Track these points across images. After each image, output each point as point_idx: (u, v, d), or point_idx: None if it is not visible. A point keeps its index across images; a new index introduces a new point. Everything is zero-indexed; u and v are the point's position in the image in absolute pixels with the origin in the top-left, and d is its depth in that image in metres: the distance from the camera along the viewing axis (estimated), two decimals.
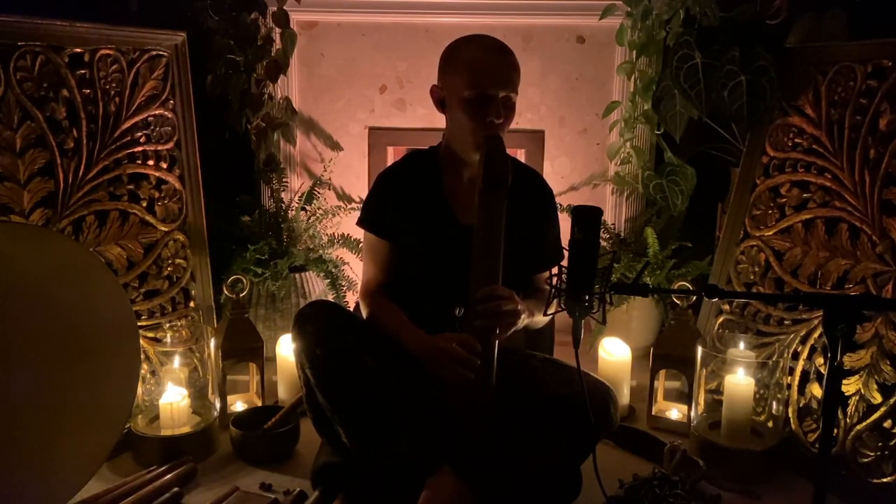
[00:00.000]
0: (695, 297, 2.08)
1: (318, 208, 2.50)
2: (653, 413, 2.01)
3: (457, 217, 1.63)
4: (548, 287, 1.68)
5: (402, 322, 1.60)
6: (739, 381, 1.76)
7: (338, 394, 1.50)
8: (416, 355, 1.54)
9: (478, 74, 1.50)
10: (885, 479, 1.58)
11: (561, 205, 2.43)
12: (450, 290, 1.53)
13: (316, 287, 2.39)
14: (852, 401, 1.67)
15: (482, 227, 1.48)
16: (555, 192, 2.56)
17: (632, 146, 2.44)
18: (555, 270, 1.30)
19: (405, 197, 1.65)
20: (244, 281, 2.03)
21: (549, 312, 1.39)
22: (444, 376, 1.48)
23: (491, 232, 1.48)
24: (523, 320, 1.55)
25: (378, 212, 1.68)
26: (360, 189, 2.64)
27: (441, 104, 1.61)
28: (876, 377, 1.64)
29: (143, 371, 1.78)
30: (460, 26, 2.44)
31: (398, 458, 1.48)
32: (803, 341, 1.80)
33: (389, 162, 2.66)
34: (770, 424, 1.80)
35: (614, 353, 2.07)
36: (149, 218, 1.93)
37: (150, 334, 1.91)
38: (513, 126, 2.56)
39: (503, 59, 1.54)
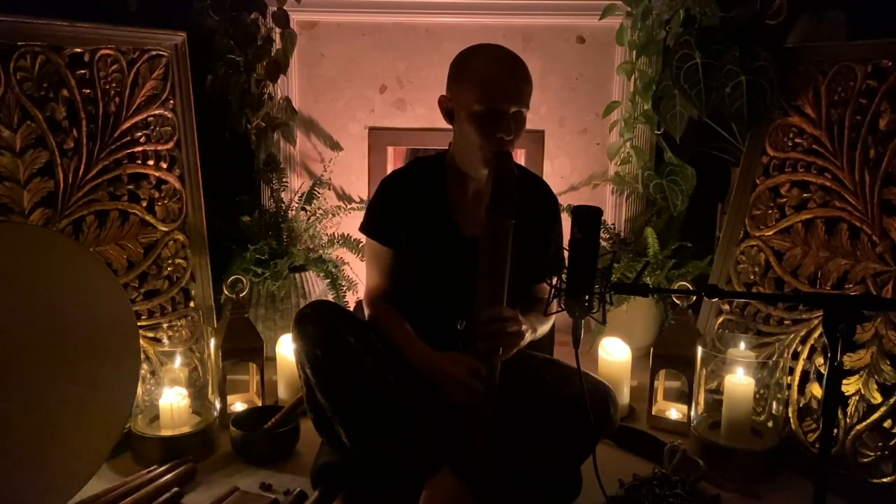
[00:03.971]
0: (695, 297, 2.08)
1: (318, 208, 2.50)
2: (653, 413, 2.01)
3: (460, 229, 1.61)
4: (546, 298, 1.68)
5: (408, 335, 1.58)
6: (739, 381, 1.76)
7: (338, 394, 1.50)
8: (421, 373, 1.52)
9: (489, 89, 1.45)
10: (885, 479, 1.58)
11: (561, 205, 2.44)
12: (452, 301, 1.53)
13: (316, 287, 2.39)
14: (852, 401, 1.67)
15: (488, 247, 1.45)
16: (555, 192, 2.57)
17: (632, 146, 2.44)
18: None
19: (408, 206, 1.62)
20: (244, 281, 2.03)
21: (548, 312, 1.39)
22: (447, 397, 1.48)
23: (497, 252, 1.45)
24: (527, 340, 1.54)
25: (381, 219, 1.66)
26: (360, 189, 2.64)
27: (449, 115, 1.56)
28: (876, 377, 1.64)
29: (143, 371, 1.78)
30: (460, 26, 2.44)
31: (398, 459, 1.47)
32: (803, 341, 1.80)
33: (389, 162, 2.66)
34: (770, 424, 1.80)
35: (614, 353, 2.07)
36: (149, 218, 1.93)
37: (150, 334, 1.91)
38: None
39: (515, 73, 1.48)
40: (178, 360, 1.87)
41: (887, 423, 1.60)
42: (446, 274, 1.59)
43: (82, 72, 1.78)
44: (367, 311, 1.71)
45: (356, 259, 2.41)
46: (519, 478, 1.50)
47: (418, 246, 1.62)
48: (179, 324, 1.97)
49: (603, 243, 2.44)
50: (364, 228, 1.69)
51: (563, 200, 2.50)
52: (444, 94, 1.56)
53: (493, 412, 1.49)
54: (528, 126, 2.52)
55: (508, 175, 1.44)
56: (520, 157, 2.58)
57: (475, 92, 1.46)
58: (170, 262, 1.97)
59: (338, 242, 2.46)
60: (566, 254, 1.29)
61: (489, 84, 1.45)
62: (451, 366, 1.47)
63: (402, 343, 1.57)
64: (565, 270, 1.27)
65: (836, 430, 1.66)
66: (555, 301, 1.32)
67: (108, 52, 1.82)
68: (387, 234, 1.64)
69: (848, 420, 1.67)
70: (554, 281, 1.28)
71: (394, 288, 1.68)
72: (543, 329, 1.66)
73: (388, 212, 1.64)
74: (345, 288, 2.33)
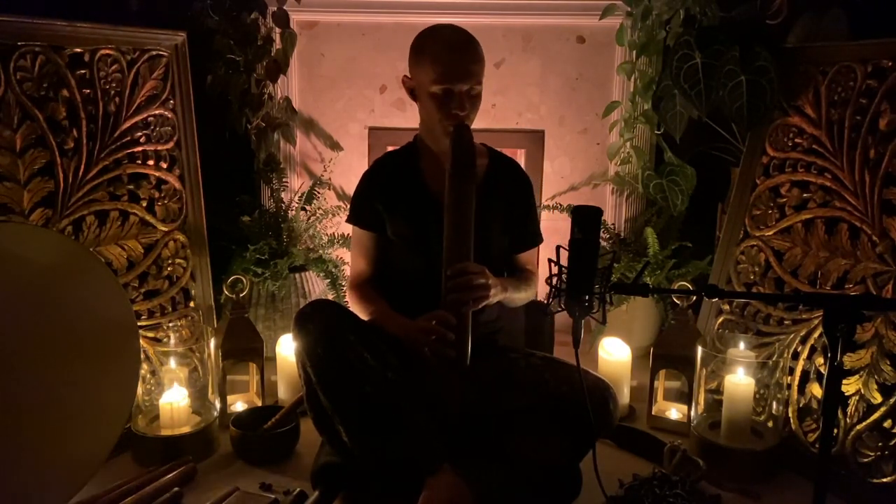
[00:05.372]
0: (695, 297, 2.08)
1: (318, 208, 2.50)
2: (653, 413, 2.01)
3: (439, 199, 1.68)
4: (529, 268, 1.81)
5: (386, 310, 1.67)
6: (739, 381, 1.76)
7: (339, 393, 1.50)
8: (399, 338, 1.59)
9: (442, 72, 1.58)
10: (885, 479, 1.58)
11: (561, 205, 2.45)
12: (439, 271, 1.58)
13: (316, 287, 2.39)
14: (852, 401, 1.67)
15: (452, 208, 1.57)
16: (555, 192, 2.60)
17: (632, 146, 2.44)
18: (555, 270, 1.30)
19: (389, 187, 1.73)
20: (244, 281, 2.03)
21: (549, 312, 1.39)
22: (424, 355, 1.52)
23: (460, 212, 1.56)
24: (496, 294, 1.62)
25: (363, 206, 1.76)
26: None
27: (412, 93, 1.69)
28: (876, 377, 1.63)
29: (143, 371, 1.78)
30: (460, 26, 2.43)
31: (398, 458, 1.48)
32: (803, 341, 1.80)
33: None
34: (770, 424, 1.80)
35: (614, 353, 2.07)
36: (149, 218, 1.93)
37: (150, 334, 1.91)
38: (513, 126, 2.60)
39: (465, 54, 1.61)
40: (177, 361, 1.87)
41: (887, 423, 1.60)
42: (431, 243, 1.65)
43: (82, 72, 1.78)
44: (348, 295, 1.80)
45: None
46: (519, 477, 1.50)
47: (402, 221, 1.71)
48: (179, 324, 1.97)
49: (603, 243, 2.44)
50: (349, 219, 1.80)
51: (563, 200, 2.52)
52: (406, 74, 1.70)
53: (467, 365, 1.54)
54: (528, 126, 2.59)
55: (466, 142, 1.59)
56: (520, 156, 2.58)
57: (430, 75, 1.60)
58: (170, 262, 1.97)
59: (338, 242, 2.46)
60: (558, 248, 1.30)
61: (443, 67, 1.59)
62: (423, 322, 1.54)
63: (379, 315, 1.66)
64: (565, 270, 1.27)
65: (836, 430, 1.66)
66: (555, 301, 1.32)
67: (108, 52, 1.82)
68: (370, 219, 1.75)
69: (848, 420, 1.67)
70: (553, 281, 1.28)
71: (376, 274, 1.78)
72: (519, 294, 1.75)
73: (370, 197, 1.75)
74: (345, 288, 2.33)
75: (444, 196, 1.58)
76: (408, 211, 1.70)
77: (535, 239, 1.84)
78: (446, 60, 1.59)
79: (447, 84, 1.58)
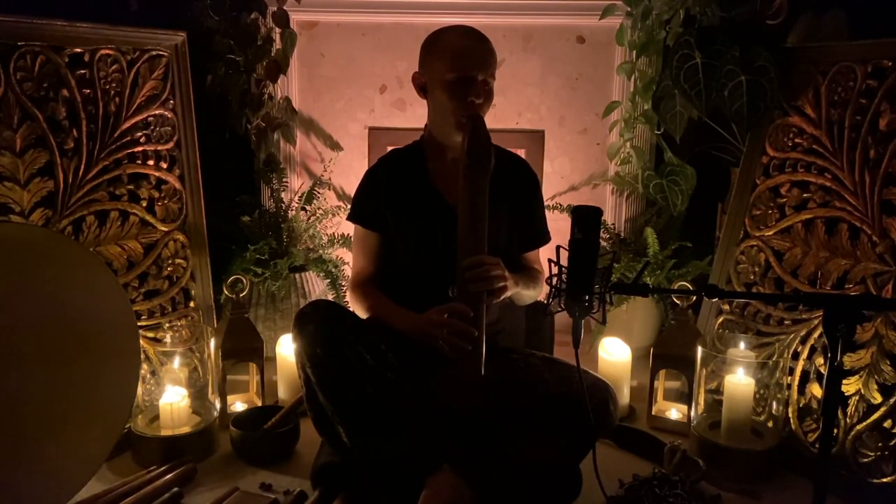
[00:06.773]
0: (695, 297, 2.08)
1: (318, 208, 2.50)
2: (653, 413, 2.01)
3: (445, 199, 1.69)
4: (536, 267, 1.80)
5: (390, 306, 1.67)
6: (739, 381, 1.76)
7: (339, 393, 1.50)
8: (410, 334, 1.57)
9: (459, 57, 1.59)
10: (885, 479, 1.58)
11: (561, 205, 2.45)
12: (443, 272, 1.58)
13: (316, 287, 2.39)
14: (852, 401, 1.67)
15: (467, 200, 1.55)
16: (555, 192, 2.60)
17: (632, 146, 2.44)
18: (555, 270, 1.30)
19: (394, 186, 1.72)
20: (244, 281, 2.03)
21: (549, 312, 1.39)
22: (440, 348, 1.51)
23: (475, 204, 1.55)
24: (510, 288, 1.61)
25: (366, 205, 1.75)
26: None
27: (423, 90, 1.69)
28: (876, 377, 1.64)
29: (143, 371, 1.78)
30: None
31: (398, 457, 1.48)
32: (803, 341, 1.80)
33: None
34: (770, 424, 1.80)
35: (614, 353, 2.07)
36: (149, 218, 1.93)
37: (150, 334, 1.91)
38: (513, 126, 2.60)
39: (482, 44, 1.63)
40: (177, 361, 1.87)
41: (887, 423, 1.60)
42: (436, 244, 1.65)
43: (82, 72, 1.78)
44: (349, 295, 1.79)
45: None
46: (519, 477, 1.50)
47: (408, 221, 1.70)
48: (179, 324, 1.97)
49: (603, 243, 2.44)
50: (351, 216, 1.78)
51: (563, 200, 2.52)
52: (417, 71, 1.70)
53: (481, 361, 1.52)
54: (528, 126, 2.59)
55: (481, 135, 1.57)
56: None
57: (447, 62, 1.60)
58: (170, 262, 1.97)
59: (338, 242, 2.46)
60: (557, 244, 1.31)
61: (459, 53, 1.60)
62: (437, 315, 1.53)
63: (385, 313, 1.65)
64: (565, 270, 1.27)
65: (836, 430, 1.66)
66: (555, 301, 1.32)
67: (108, 52, 1.82)
68: (373, 219, 1.73)
69: (848, 420, 1.67)
70: (553, 281, 1.28)
71: (377, 273, 1.77)
72: (529, 291, 1.74)
73: (374, 196, 1.74)
74: (345, 288, 2.33)
75: (458, 189, 1.57)
76: (415, 211, 1.69)
77: (543, 238, 1.84)
78: (462, 48, 1.60)
79: (462, 72, 1.58)
